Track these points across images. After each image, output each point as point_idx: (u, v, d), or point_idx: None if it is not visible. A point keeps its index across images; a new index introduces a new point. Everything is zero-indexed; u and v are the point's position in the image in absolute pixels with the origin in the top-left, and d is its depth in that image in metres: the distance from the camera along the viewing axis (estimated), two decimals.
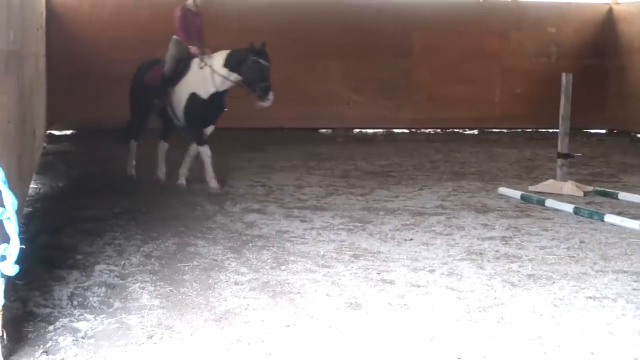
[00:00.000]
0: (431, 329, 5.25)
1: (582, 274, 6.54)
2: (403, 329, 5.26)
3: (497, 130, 18.55)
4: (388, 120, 18.35)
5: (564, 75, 10.72)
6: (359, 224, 8.41)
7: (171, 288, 6.02)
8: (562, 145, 10.64)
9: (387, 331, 5.21)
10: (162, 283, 6.15)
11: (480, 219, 8.77)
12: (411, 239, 7.77)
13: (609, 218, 8.61)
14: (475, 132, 18.45)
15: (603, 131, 18.76)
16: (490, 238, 7.83)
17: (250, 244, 7.44)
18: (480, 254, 7.19)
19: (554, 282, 6.30)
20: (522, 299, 5.90)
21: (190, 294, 5.90)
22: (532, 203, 9.66)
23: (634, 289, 6.15)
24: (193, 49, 10.53)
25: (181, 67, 10.53)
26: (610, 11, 19.20)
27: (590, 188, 10.61)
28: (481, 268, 6.71)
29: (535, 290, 6.12)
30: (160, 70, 10.67)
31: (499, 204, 9.67)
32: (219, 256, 6.99)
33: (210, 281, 6.23)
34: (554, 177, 10.70)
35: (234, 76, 10.27)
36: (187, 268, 6.58)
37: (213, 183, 10.34)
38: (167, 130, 11.06)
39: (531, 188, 10.65)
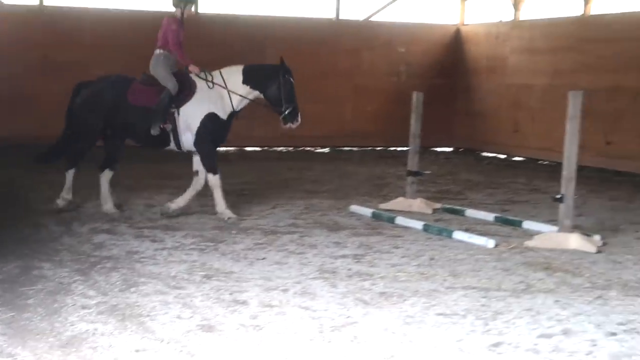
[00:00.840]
0: (285, 350, 5.23)
1: (433, 291, 6.67)
2: (256, 350, 5.22)
3: (348, 148, 18.78)
4: (241, 138, 18.18)
5: (414, 94, 10.92)
6: (211, 244, 8.33)
7: (13, 313, 5.79)
8: (411, 163, 10.84)
9: (240, 353, 5.16)
10: (3, 308, 5.90)
11: (332, 237, 8.84)
12: (264, 258, 7.74)
13: (458, 235, 8.83)
14: (327, 150, 18.63)
15: (450, 149, 19.27)
16: (343, 256, 7.89)
17: (99, 266, 7.26)
18: (333, 272, 7.24)
19: (405, 300, 6.40)
20: (374, 317, 5.96)
21: (34, 319, 5.69)
22: (383, 221, 9.81)
23: (483, 305, 6.31)
24: (193, 68, 9.88)
25: (186, 85, 9.83)
26: (457, 32, 19.78)
27: (438, 205, 10.85)
28: (334, 287, 6.75)
29: (387, 308, 6.20)
30: (151, 89, 9.77)
31: (351, 222, 9.77)
32: (66, 279, 6.78)
33: (55, 305, 6.02)
34: (404, 195, 10.89)
35: (255, 94, 9.95)
36: (31, 292, 6.35)
37: (228, 214, 9.72)
38: (116, 156, 10.09)
39: (382, 206, 10.80)
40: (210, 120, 9.82)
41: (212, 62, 17.52)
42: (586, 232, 8.98)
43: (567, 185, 8.51)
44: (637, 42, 13.49)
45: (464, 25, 19.84)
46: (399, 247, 8.36)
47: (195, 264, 7.43)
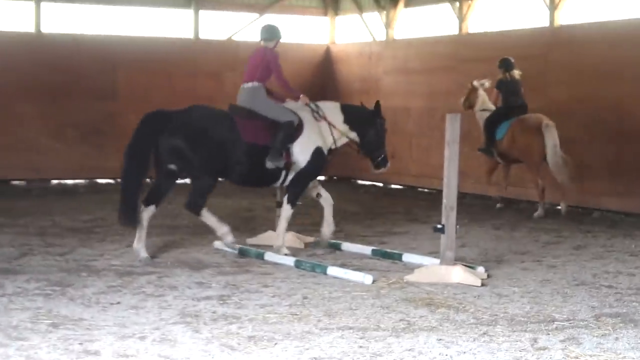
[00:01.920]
0: None
1: (306, 333, 6.64)
2: None
3: None
4: (91, 169, 17.97)
5: None
6: (58, 288, 8.11)
7: None
8: (281, 194, 10.82)
9: None
10: None
11: (195, 276, 8.74)
12: (118, 303, 7.59)
13: (332, 271, 8.85)
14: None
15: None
16: (207, 298, 7.80)
17: None
18: (196, 316, 7.14)
19: (276, 344, 6.34)
20: None
21: None
22: (251, 257, 9.76)
23: (361, 347, 6.31)
24: (304, 99, 10.34)
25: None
26: (328, 51, 20.01)
27: (311, 239, 10.87)
28: (197, 332, 6.64)
29: (257, 353, 6.13)
30: (257, 123, 9.99)
31: (215, 260, 9.69)
32: None
33: None
34: (273, 228, 10.87)
35: (353, 135, 10.52)
36: None
37: (284, 250, 9.94)
38: (164, 192, 10.03)
39: (249, 241, 10.75)
40: (319, 154, 10.26)
41: (59, 86, 17.43)
42: (469, 264, 9.14)
43: (448, 214, 8.64)
44: (517, 60, 13.90)
45: (334, 44, 20.08)
46: (269, 286, 8.32)
47: (40, 311, 7.20)
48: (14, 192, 16.50)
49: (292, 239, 10.61)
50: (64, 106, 17.70)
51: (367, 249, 10.24)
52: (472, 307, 7.56)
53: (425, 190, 16.76)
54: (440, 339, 6.53)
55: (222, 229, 9.99)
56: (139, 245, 9.66)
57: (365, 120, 10.55)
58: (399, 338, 6.55)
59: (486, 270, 9.05)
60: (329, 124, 10.36)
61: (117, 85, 18.22)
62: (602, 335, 6.74)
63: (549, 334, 6.72)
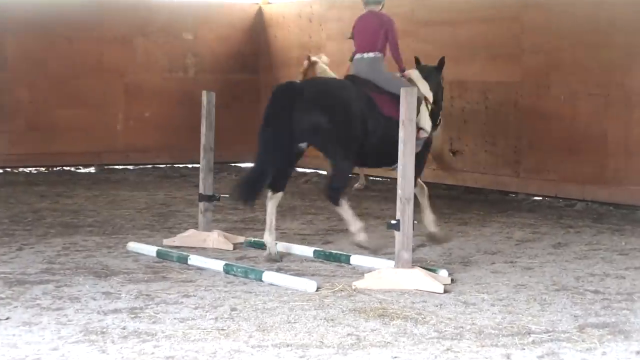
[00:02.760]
0: None
1: (235, 351, 6.64)
2: None
3: (121, 166, 18.57)
4: None
5: (204, 94, 10.92)
6: None
7: None
8: (204, 185, 10.81)
9: None
10: None
11: (101, 285, 8.69)
12: (7, 318, 7.51)
13: (268, 276, 8.85)
14: (92, 170, 18.36)
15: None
16: (115, 311, 7.76)
17: None
18: (102, 332, 7.10)
19: None
20: None
21: None
22: (171, 261, 9.73)
23: None
24: (411, 72, 10.98)
25: None
26: (260, 13, 19.98)
27: (241, 239, 10.87)
28: (103, 352, 6.61)
29: None
30: (385, 97, 10.32)
31: (126, 265, 9.65)
32: None
33: None
34: (196, 227, 10.84)
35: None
36: None
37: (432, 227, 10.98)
38: (288, 176, 10.43)
39: (166, 242, 10.72)
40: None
41: None
42: (430, 267, 9.20)
43: (404, 207, 8.68)
44: (485, 24, 14.02)
45: (268, 3, 20.05)
46: (190, 296, 8.30)
47: None
48: None
49: (219, 239, 10.62)
50: None
51: (308, 250, 10.25)
52: (433, 318, 7.60)
53: (378, 179, 16.82)
54: (395, 357, 6.56)
55: (356, 224, 10.12)
56: (271, 238, 9.96)
57: (438, 81, 11.12)
58: (346, 356, 6.57)
59: (450, 274, 9.11)
60: (425, 99, 10.73)
61: (6, 54, 18.02)
62: (587, 349, 6.82)
63: (524, 349, 6.78)
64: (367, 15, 10.95)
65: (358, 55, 10.78)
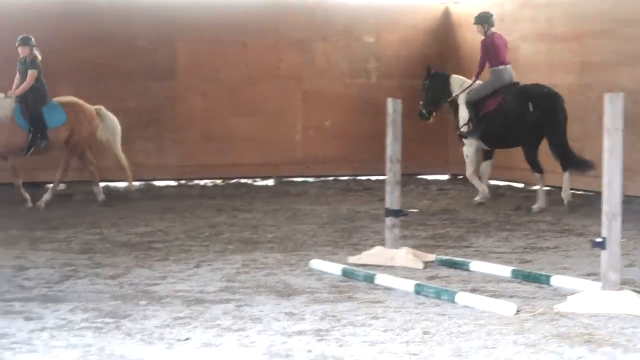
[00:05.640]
0: None
1: None
2: None
3: (301, 179, 18.75)
4: (146, 168, 18.21)
5: (389, 102, 10.93)
6: (111, 320, 8.23)
7: None
8: (391, 199, 10.82)
9: None
10: None
11: (283, 305, 8.77)
12: (187, 339, 7.66)
13: (462, 298, 8.81)
14: (271, 182, 18.59)
15: (445, 177, 19.35)
16: (300, 333, 7.82)
17: None
18: (287, 356, 7.17)
19: None
20: None
21: None
22: (357, 280, 9.75)
23: None
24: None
25: None
26: (446, 13, 19.92)
27: (432, 257, 10.84)
28: None
29: None
30: None
31: (309, 284, 9.71)
32: None
33: None
34: (382, 243, 10.85)
35: None
36: None
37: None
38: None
39: (351, 259, 10.77)
40: None
41: (99, 66, 17.70)
42: None
43: (611, 224, 8.53)
44: None
45: (455, 2, 19.96)
46: (379, 318, 8.30)
47: (89, 350, 7.33)
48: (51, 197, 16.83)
49: (407, 257, 10.60)
50: (111, 89, 17.97)
51: (505, 270, 10.16)
52: None
53: (579, 192, 16.55)
54: None
55: None
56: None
57: None
58: None
59: None
60: None
61: (176, 61, 18.44)
62: None
63: None
64: (498, 35, 15.72)
65: (507, 67, 15.57)
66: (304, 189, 17.89)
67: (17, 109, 15.34)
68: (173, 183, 18.35)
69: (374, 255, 10.77)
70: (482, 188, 15.77)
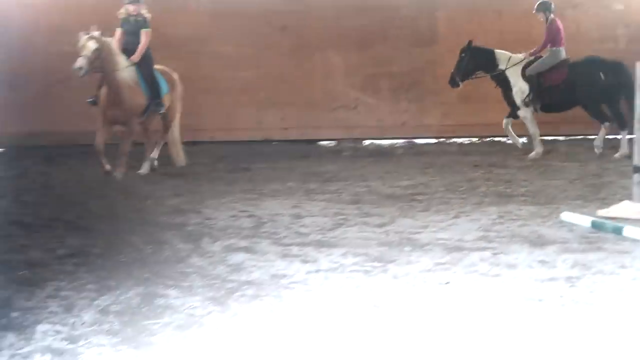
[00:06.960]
0: None
1: None
2: None
3: (551, 137, 18.47)
4: (409, 127, 18.35)
5: (638, 66, 10.72)
6: (379, 264, 8.34)
7: (137, 353, 5.95)
8: (638, 156, 10.58)
9: None
10: (124, 347, 6.08)
11: (537, 254, 8.70)
12: (447, 283, 7.70)
13: None
14: (524, 140, 18.40)
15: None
16: (552, 279, 7.75)
17: (238, 294, 7.37)
18: (540, 300, 7.13)
19: None
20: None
21: None
22: (606, 232, 9.59)
23: None
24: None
25: None
26: None
27: None
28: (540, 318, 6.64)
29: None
30: None
31: (561, 234, 9.60)
32: (198, 310, 6.92)
33: (187, 344, 6.15)
34: (630, 198, 10.64)
35: None
36: (156, 327, 6.51)
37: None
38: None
39: (600, 212, 10.59)
40: None
41: (367, 33, 17.83)
42: None
43: None
44: None
45: None
46: (627, 267, 8.14)
47: (359, 289, 7.45)
48: (323, 153, 17.13)
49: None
50: (375, 54, 18.12)
51: None
52: None
53: None
54: None
55: None
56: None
57: None
58: None
59: None
60: None
61: (437, 28, 18.45)
62: None
63: None
64: (558, 21, 16.33)
65: (562, 48, 16.31)
66: (554, 147, 17.61)
67: (139, 73, 14.19)
68: (433, 140, 18.39)
69: (622, 209, 10.56)
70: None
